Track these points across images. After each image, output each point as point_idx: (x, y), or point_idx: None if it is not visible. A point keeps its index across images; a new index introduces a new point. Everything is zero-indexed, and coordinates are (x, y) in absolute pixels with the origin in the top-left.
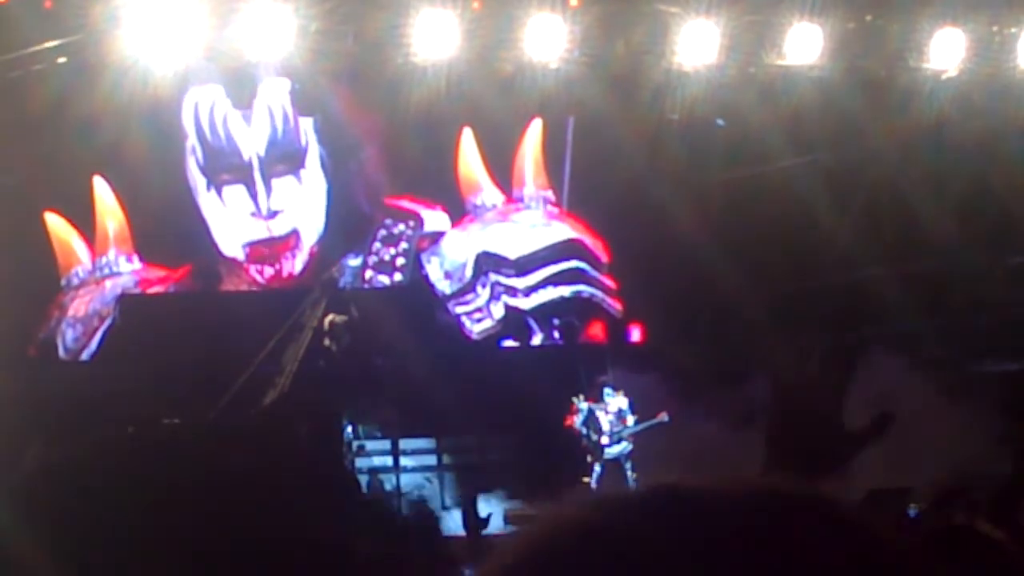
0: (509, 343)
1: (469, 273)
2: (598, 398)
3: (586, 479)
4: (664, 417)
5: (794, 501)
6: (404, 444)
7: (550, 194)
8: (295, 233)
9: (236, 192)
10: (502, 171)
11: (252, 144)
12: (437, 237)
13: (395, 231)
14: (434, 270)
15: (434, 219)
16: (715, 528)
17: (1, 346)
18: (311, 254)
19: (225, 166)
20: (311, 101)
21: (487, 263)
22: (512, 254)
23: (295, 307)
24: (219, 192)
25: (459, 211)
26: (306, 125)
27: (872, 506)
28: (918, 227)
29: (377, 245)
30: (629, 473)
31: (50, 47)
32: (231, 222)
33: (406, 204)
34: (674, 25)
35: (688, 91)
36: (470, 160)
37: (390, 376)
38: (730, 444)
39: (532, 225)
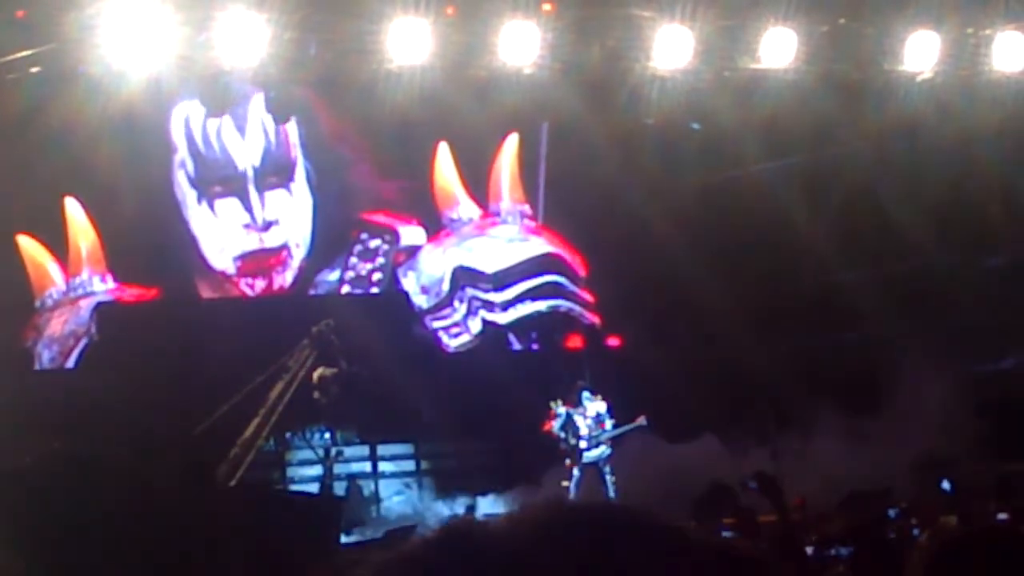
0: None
1: (446, 288)
2: (576, 403)
3: (565, 483)
4: (642, 421)
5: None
6: (382, 450)
7: (527, 208)
8: (286, 247)
9: (229, 204)
10: (478, 185)
11: (247, 156)
12: (414, 251)
13: (371, 245)
14: (411, 284)
15: (410, 233)
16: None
17: None
18: (300, 269)
19: (218, 178)
20: (288, 110)
21: (464, 277)
22: (489, 268)
23: (274, 315)
24: (211, 204)
25: (435, 225)
26: (294, 137)
27: (852, 507)
28: (893, 229)
29: (354, 260)
30: (608, 477)
31: (23, 56)
32: (223, 235)
33: (382, 219)
34: (648, 29)
35: (663, 95)
36: (446, 174)
37: (365, 383)
38: (709, 448)
39: (509, 239)
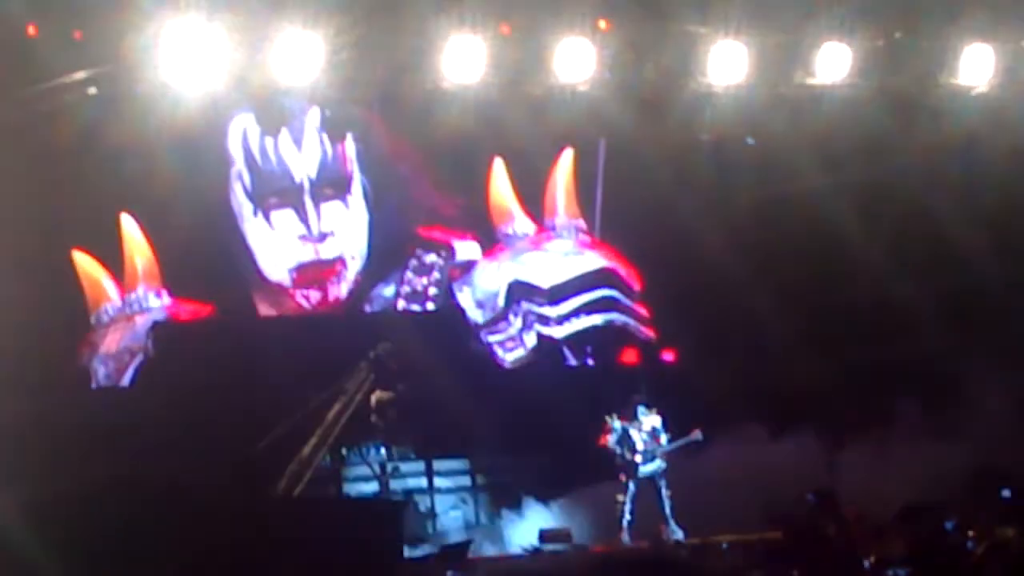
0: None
1: (501, 302)
2: (631, 417)
3: (620, 497)
4: (698, 435)
5: None
6: (438, 465)
7: (582, 223)
8: (341, 258)
9: (285, 215)
10: (533, 200)
11: (303, 167)
12: (469, 266)
13: (427, 260)
14: (466, 299)
15: (466, 248)
16: None
17: (31, 379)
18: (356, 282)
19: (275, 190)
20: (344, 127)
21: (519, 292)
22: (544, 283)
23: (329, 332)
24: (267, 216)
25: (490, 240)
26: (351, 152)
27: (908, 520)
28: (948, 243)
29: (409, 275)
30: (663, 491)
31: (80, 78)
32: (279, 246)
33: (438, 234)
34: (703, 45)
35: (718, 111)
36: (501, 189)
37: (422, 399)
38: (764, 462)
39: (564, 254)
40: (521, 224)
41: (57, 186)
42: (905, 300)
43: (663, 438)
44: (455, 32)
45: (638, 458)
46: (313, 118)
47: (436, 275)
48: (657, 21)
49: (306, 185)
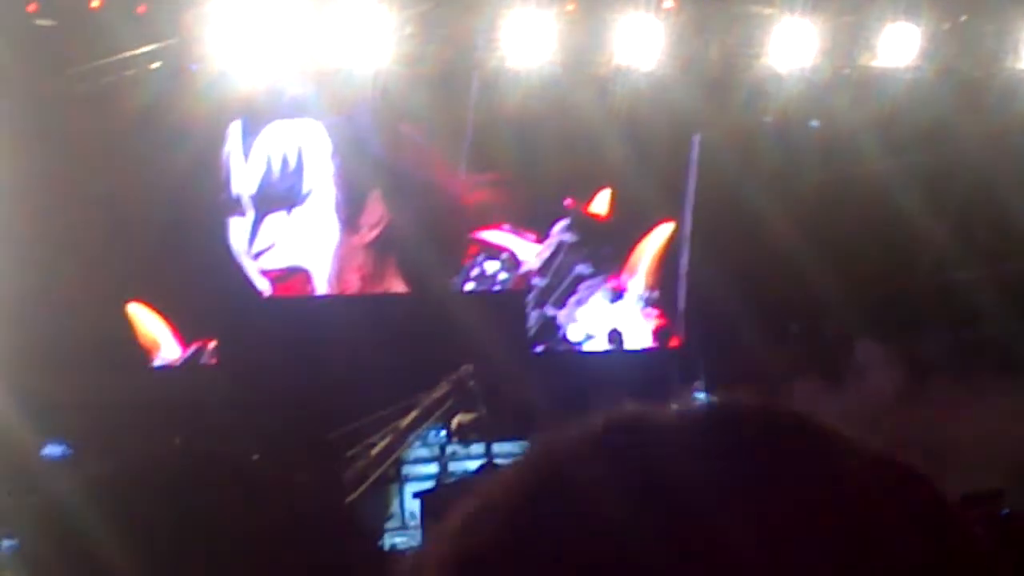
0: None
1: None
2: (690, 402)
3: None
4: None
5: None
6: (497, 448)
7: (656, 295)
8: (297, 268)
9: (237, 225)
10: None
11: (244, 182)
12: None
13: (488, 271)
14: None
15: (528, 251)
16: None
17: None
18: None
19: (228, 199)
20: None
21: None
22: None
23: (391, 314)
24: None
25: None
26: (317, 165)
27: (965, 509)
28: (1014, 228)
29: (471, 285)
30: None
31: (143, 52)
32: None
33: (498, 238)
34: (767, 26)
35: (782, 93)
36: (649, 251)
37: (480, 380)
38: None
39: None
40: (636, 284)
41: (121, 159)
42: (969, 284)
43: None
44: (519, 8)
45: None
46: (272, 132)
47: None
48: (722, 1)
49: (244, 199)
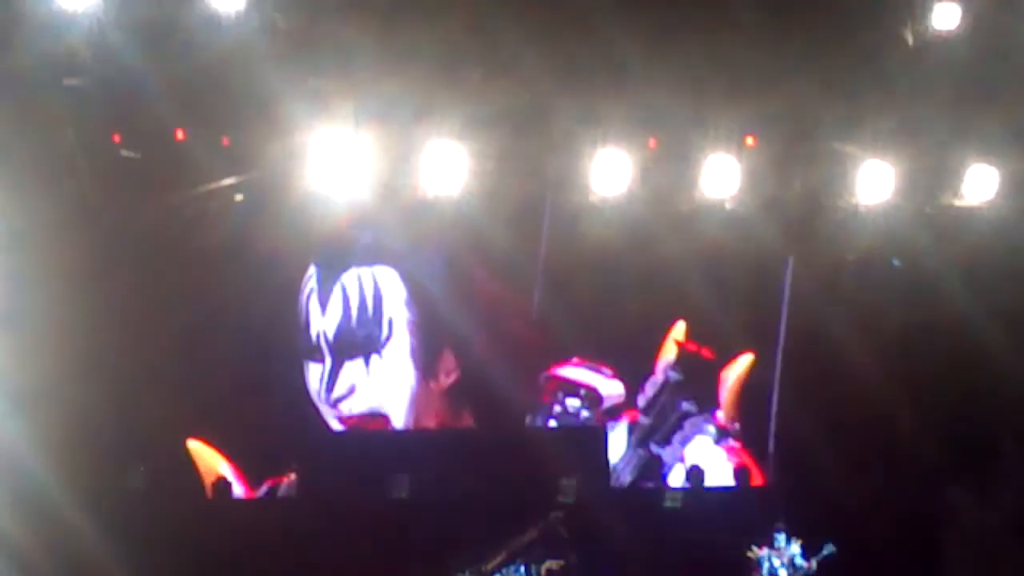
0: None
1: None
2: (771, 544)
3: None
4: (831, 547)
5: None
6: None
7: (737, 429)
8: (376, 412)
9: (313, 371)
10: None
11: (321, 326)
12: (616, 416)
13: (570, 407)
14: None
15: (610, 388)
16: None
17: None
18: None
19: (305, 345)
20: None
21: None
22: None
23: (466, 447)
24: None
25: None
26: (392, 313)
27: None
28: None
29: (553, 424)
30: None
31: (227, 184)
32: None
33: (575, 375)
34: (850, 165)
35: (864, 231)
36: (730, 382)
37: (569, 526)
38: None
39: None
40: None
41: (207, 288)
42: None
43: (800, 562)
44: (603, 147)
45: None
46: (350, 278)
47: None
48: (805, 139)
49: (323, 345)
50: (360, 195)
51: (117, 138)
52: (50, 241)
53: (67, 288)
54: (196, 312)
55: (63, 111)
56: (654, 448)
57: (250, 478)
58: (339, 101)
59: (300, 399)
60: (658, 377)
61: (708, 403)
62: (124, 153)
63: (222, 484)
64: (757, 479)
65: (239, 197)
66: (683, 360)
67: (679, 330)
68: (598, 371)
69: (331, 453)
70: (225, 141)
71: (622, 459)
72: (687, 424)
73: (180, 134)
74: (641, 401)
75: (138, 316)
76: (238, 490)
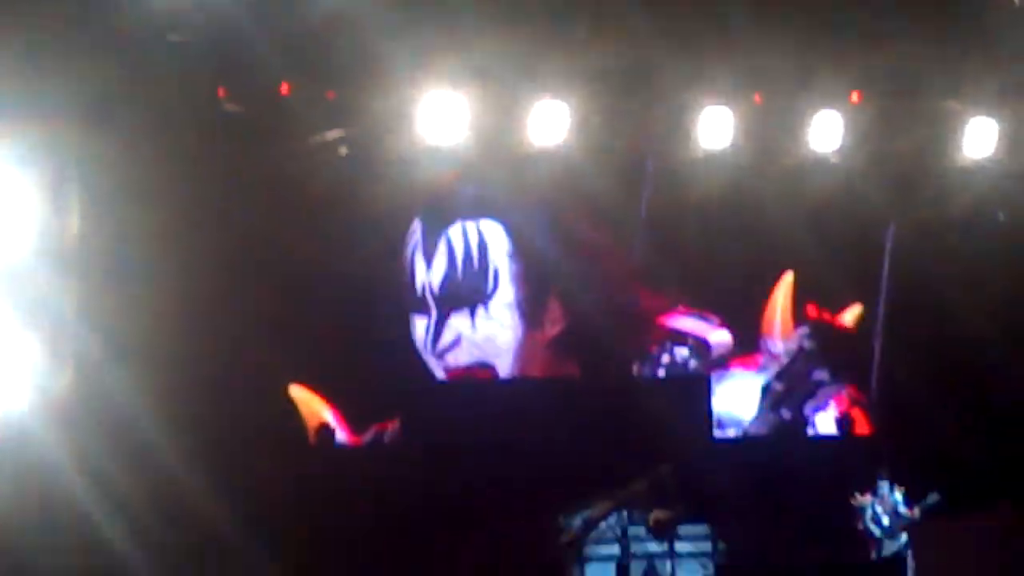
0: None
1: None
2: (874, 491)
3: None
4: (935, 496)
5: None
6: (679, 529)
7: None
8: (482, 363)
9: (419, 324)
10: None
11: (426, 279)
12: (724, 366)
13: (679, 358)
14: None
15: (718, 337)
16: None
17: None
18: None
19: (410, 298)
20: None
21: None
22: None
23: (569, 397)
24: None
25: (741, 328)
26: (497, 265)
27: None
28: None
29: (662, 373)
30: (911, 563)
31: (332, 138)
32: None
33: (684, 324)
34: (956, 121)
35: (970, 186)
36: (779, 302)
37: (677, 479)
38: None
39: None
40: (776, 345)
41: (302, 247)
42: None
43: (903, 511)
44: (708, 101)
45: (883, 535)
46: (455, 232)
47: None
48: (910, 96)
49: (428, 298)
50: (463, 151)
51: (222, 92)
52: (155, 195)
53: (171, 241)
54: (300, 263)
55: (167, 67)
56: (784, 414)
57: (354, 424)
58: (443, 57)
59: (405, 349)
60: (792, 345)
61: (842, 373)
62: (228, 107)
63: (325, 431)
64: (862, 427)
65: (344, 151)
66: (817, 329)
67: (787, 282)
68: (705, 319)
69: (435, 401)
70: (330, 95)
71: (753, 422)
72: (820, 393)
73: (285, 88)
74: (775, 367)
75: (242, 267)
76: (341, 436)
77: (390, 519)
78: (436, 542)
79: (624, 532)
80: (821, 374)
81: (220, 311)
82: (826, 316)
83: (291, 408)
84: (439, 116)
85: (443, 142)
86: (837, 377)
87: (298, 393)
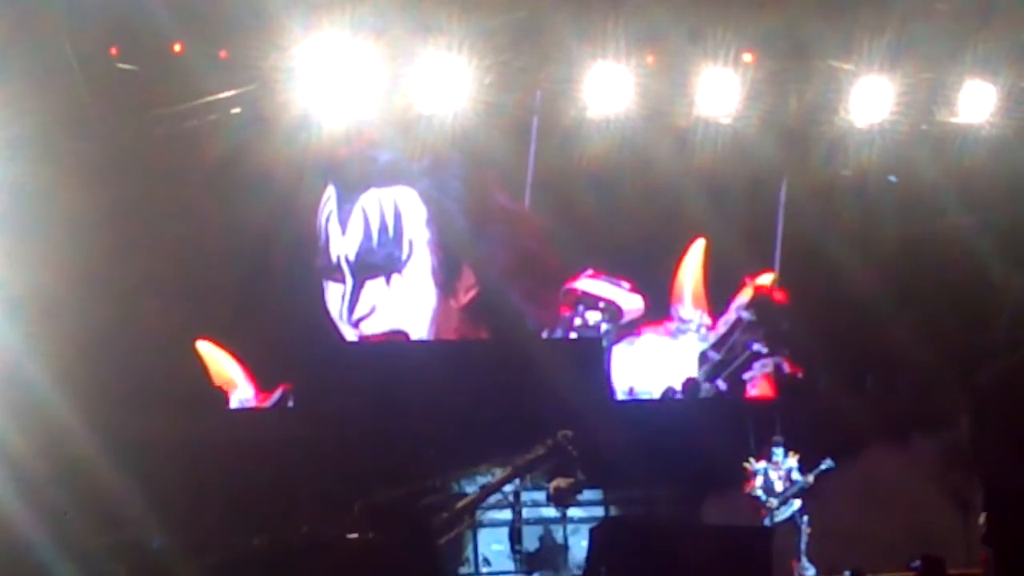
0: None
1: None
2: (768, 457)
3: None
4: (828, 463)
5: None
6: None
7: (707, 318)
8: (397, 331)
9: (334, 291)
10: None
11: (342, 248)
12: (636, 331)
13: (591, 321)
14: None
15: (630, 302)
16: None
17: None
18: None
19: (325, 265)
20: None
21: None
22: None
23: (469, 358)
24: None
25: (650, 291)
26: (413, 233)
27: None
28: None
29: (574, 336)
30: (803, 528)
31: (225, 97)
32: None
33: (594, 287)
34: (847, 82)
35: (861, 147)
36: (688, 270)
37: (578, 445)
38: (898, 496)
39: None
40: (687, 311)
41: (204, 201)
42: None
43: (797, 476)
44: (601, 61)
45: (773, 502)
46: (369, 199)
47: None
48: (802, 57)
49: (343, 266)
50: (356, 109)
51: (114, 51)
52: (48, 151)
53: (65, 198)
54: (195, 221)
55: (60, 24)
56: (720, 384)
57: (262, 382)
58: (336, 14)
59: (315, 312)
60: (730, 315)
61: (779, 344)
62: (121, 66)
63: (219, 391)
64: (766, 392)
65: (236, 110)
66: (756, 302)
67: (698, 248)
68: (617, 284)
69: (332, 364)
70: (223, 54)
71: (688, 391)
72: (756, 365)
73: (178, 47)
74: (712, 337)
75: (137, 225)
76: (248, 393)
77: (278, 480)
78: (319, 506)
79: (517, 497)
80: (759, 346)
81: (116, 267)
82: (764, 288)
83: (193, 363)
84: (330, 74)
85: (334, 100)
86: (774, 349)
87: (206, 349)
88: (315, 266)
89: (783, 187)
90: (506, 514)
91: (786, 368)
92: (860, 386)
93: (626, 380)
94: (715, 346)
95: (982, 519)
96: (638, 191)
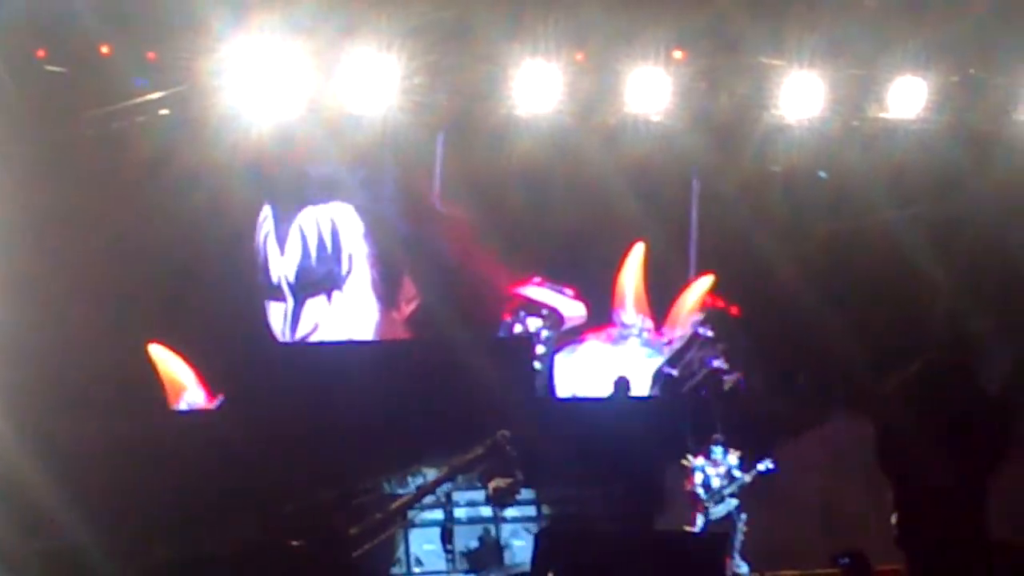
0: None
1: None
2: (707, 455)
3: (688, 529)
4: (768, 464)
5: None
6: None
7: (650, 323)
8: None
9: (276, 310)
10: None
11: (282, 268)
12: (578, 337)
13: (531, 327)
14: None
15: (572, 309)
16: None
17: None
18: None
19: (265, 284)
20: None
21: None
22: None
23: (400, 356)
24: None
25: (591, 296)
26: (353, 248)
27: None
28: (1021, 281)
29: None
30: (739, 526)
31: (153, 99)
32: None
33: (537, 294)
34: (777, 78)
35: (791, 143)
36: (629, 275)
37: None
38: (833, 495)
39: (647, 356)
40: (629, 316)
41: (130, 203)
42: (978, 334)
43: (737, 474)
44: (529, 59)
45: (711, 501)
46: (306, 217)
47: (542, 349)
48: (731, 52)
49: (284, 286)
50: (286, 110)
51: (42, 53)
52: None
53: None
54: (124, 225)
55: None
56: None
57: (212, 386)
58: (265, 14)
59: (246, 313)
60: (687, 331)
61: (736, 359)
62: (48, 68)
63: (165, 393)
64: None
65: (165, 111)
66: (712, 317)
67: (638, 253)
68: (560, 291)
69: (269, 363)
70: (151, 55)
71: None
72: (715, 380)
73: (105, 48)
74: (667, 352)
75: (67, 228)
76: (198, 396)
77: (207, 485)
78: (247, 508)
79: (448, 497)
80: (719, 363)
81: (45, 271)
82: (720, 303)
83: (124, 368)
84: (265, 76)
85: (263, 101)
86: (735, 365)
87: (158, 352)
88: (255, 284)
89: (695, 174)
90: (437, 514)
91: (744, 385)
92: (789, 384)
93: (569, 386)
94: (671, 363)
95: (893, 519)
96: (569, 190)
